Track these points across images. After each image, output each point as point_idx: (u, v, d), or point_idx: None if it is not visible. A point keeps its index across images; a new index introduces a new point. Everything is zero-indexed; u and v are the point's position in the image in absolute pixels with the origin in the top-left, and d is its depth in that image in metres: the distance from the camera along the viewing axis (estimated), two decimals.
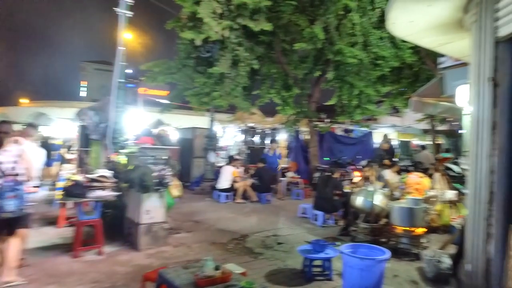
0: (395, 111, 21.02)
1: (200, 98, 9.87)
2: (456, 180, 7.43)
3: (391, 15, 4.09)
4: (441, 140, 17.47)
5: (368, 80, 11.70)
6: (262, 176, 8.77)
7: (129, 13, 6.64)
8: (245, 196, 9.02)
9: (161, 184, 4.94)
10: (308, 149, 13.48)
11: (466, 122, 3.85)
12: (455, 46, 4.97)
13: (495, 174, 3.23)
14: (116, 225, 5.25)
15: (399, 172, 9.02)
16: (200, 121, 16.92)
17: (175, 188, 5.57)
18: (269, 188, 8.87)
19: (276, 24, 10.07)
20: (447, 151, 15.66)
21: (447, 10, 3.91)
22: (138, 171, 4.81)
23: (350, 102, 11.76)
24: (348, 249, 3.46)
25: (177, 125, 14.07)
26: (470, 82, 3.86)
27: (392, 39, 12.27)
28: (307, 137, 14.62)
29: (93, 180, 4.84)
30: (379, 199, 4.92)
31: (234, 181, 8.69)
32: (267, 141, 13.25)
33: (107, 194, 4.78)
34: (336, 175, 6.61)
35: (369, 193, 5.09)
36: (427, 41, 4.87)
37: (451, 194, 5.61)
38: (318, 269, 4.00)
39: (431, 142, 17.76)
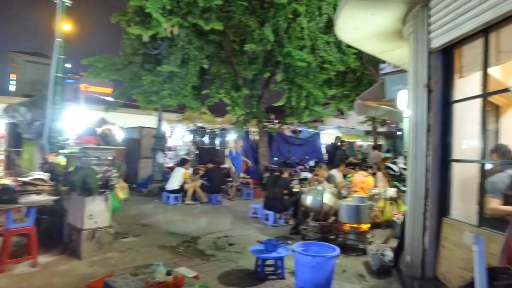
0: (340, 113, 22.24)
1: (148, 97, 9.46)
2: (395, 179, 8.06)
3: (339, 21, 4.29)
4: (381, 141, 18.83)
5: (315, 83, 12.17)
6: (212, 176, 8.67)
7: (68, 2, 6.12)
8: (194, 197, 8.86)
9: (106, 187, 4.63)
10: (257, 149, 13.66)
11: (406, 124, 4.16)
12: (394, 54, 5.36)
13: (430, 172, 3.54)
14: (55, 232, 4.82)
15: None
16: (146, 120, 16.21)
17: (121, 191, 5.27)
18: (219, 188, 8.80)
19: (226, 24, 10.04)
20: (387, 151, 16.93)
21: (388, 20, 4.20)
22: (80, 173, 4.45)
23: (298, 103, 12.12)
24: (300, 248, 3.55)
25: (122, 124, 13.34)
26: (408, 88, 4.20)
27: (338, 44, 12.93)
28: (257, 137, 14.82)
29: (26, 183, 4.37)
30: (327, 198, 5.13)
31: (185, 182, 8.48)
32: (217, 141, 13.15)
33: (43, 198, 4.35)
34: (285, 174, 6.75)
35: (319, 192, 5.28)
36: (370, 48, 5.19)
37: (391, 192, 6.06)
38: (271, 269, 4.04)
39: (372, 143, 19.06)
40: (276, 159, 13.35)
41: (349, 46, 13.74)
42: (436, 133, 3.55)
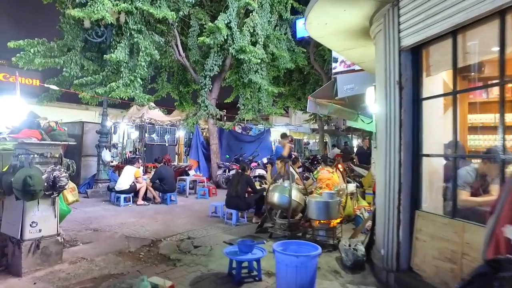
0: (285, 111, 22.77)
1: (93, 89, 8.54)
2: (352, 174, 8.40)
3: (310, 15, 4.24)
4: (326, 138, 19.66)
5: (267, 80, 12.19)
6: (164, 175, 8.16)
7: None
8: (146, 198, 8.29)
9: (54, 188, 4.02)
10: (208, 146, 13.30)
11: (377, 120, 4.26)
12: (356, 52, 5.50)
13: (402, 166, 3.66)
14: None
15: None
16: (83, 115, 14.80)
17: (70, 192, 4.63)
18: (173, 187, 8.32)
19: (176, 15, 9.52)
20: (333, 147, 17.73)
21: (357, 18, 4.27)
22: (20, 173, 3.78)
23: (249, 100, 12.02)
24: (279, 247, 3.42)
25: (56, 119, 11.97)
26: (376, 85, 4.32)
27: (288, 43, 13.14)
28: (204, 134, 14.43)
29: None
30: (295, 195, 5.09)
31: (136, 182, 7.85)
32: (167, 137, 12.48)
33: None
34: (248, 172, 6.60)
35: (285, 189, 5.21)
36: (334, 44, 5.26)
37: (352, 187, 6.25)
38: (245, 271, 3.86)
39: (317, 140, 19.83)
40: (228, 156, 13.12)
41: (299, 45, 14.16)
42: (408, 128, 3.67)
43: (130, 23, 8.18)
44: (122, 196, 7.68)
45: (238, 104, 12.02)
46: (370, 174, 10.20)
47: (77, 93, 9.46)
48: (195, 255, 4.62)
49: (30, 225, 3.95)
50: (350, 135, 22.21)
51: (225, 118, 16.96)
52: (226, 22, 10.28)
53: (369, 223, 4.73)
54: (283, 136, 10.86)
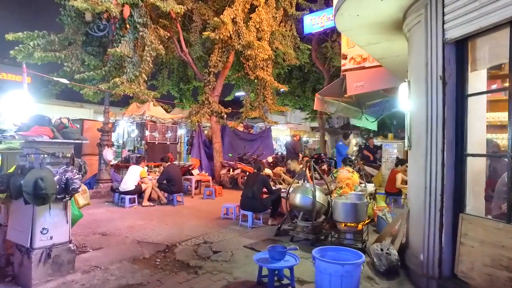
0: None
1: (95, 84, 8.14)
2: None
3: (344, 5, 3.99)
4: (326, 137, 19.48)
5: (273, 77, 11.91)
6: (172, 175, 7.83)
7: None
8: (150, 198, 7.96)
9: (66, 191, 3.69)
10: (210, 145, 12.97)
11: (412, 119, 4.02)
12: (380, 47, 5.28)
13: (446, 166, 3.43)
14: None
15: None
16: (77, 113, 14.29)
17: (81, 195, 4.30)
18: (180, 188, 8.00)
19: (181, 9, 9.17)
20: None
21: (392, 9, 4.03)
22: (30, 175, 3.45)
23: (255, 97, 11.75)
24: (318, 254, 3.16)
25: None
26: (412, 80, 4.07)
27: (293, 39, 12.87)
28: (206, 132, 14.10)
29: None
30: (318, 196, 4.84)
31: (142, 182, 7.52)
32: (168, 135, 12.11)
33: None
34: (263, 171, 6.33)
35: (308, 190, 4.96)
36: (359, 38, 5.02)
37: (371, 188, 6.02)
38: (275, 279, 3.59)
39: (317, 139, 19.64)
40: (231, 155, 12.82)
41: (304, 42, 13.91)
42: (451, 127, 3.45)
43: (135, 16, 7.81)
44: (127, 197, 7.34)
45: (243, 102, 11.71)
46: (380, 173, 10.03)
47: (73, 91, 9.06)
48: (216, 262, 4.33)
49: (41, 232, 3.62)
50: (351, 134, 22.07)
51: (225, 116, 16.66)
52: (231, 17, 9.97)
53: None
54: (346, 136, 10.58)
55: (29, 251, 3.56)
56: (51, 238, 3.69)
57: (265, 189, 6.07)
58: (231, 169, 11.43)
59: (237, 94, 16.77)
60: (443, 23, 3.44)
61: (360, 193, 4.65)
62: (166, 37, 9.15)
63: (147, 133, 10.84)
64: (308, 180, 5.43)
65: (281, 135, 19.82)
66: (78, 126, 4.34)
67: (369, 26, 4.54)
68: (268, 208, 6.06)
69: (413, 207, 3.95)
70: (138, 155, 9.79)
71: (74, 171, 3.85)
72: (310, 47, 13.46)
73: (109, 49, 7.68)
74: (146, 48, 7.89)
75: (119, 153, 12.10)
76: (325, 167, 12.61)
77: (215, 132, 12.16)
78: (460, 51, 3.44)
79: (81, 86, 8.34)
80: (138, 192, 7.54)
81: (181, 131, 13.81)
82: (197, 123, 11.90)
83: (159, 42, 8.37)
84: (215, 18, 9.98)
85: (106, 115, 8.65)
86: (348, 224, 4.54)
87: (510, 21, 2.93)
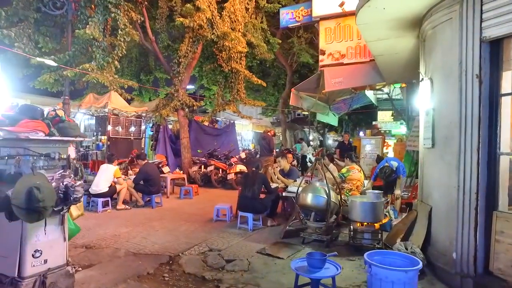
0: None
1: (55, 71, 6.99)
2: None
3: None
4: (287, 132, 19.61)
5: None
6: (150, 174, 7.11)
7: None
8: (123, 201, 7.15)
9: (65, 202, 3.00)
10: (177, 140, 12.20)
11: (437, 117, 3.98)
12: (385, 43, 5.24)
13: (480, 165, 3.45)
14: None
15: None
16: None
17: (76, 206, 3.58)
18: (159, 188, 7.31)
19: None
20: (301, 140, 17.73)
21: (421, 4, 3.94)
22: (22, 184, 2.71)
23: (229, 91, 11.26)
24: (371, 261, 2.96)
25: None
26: (439, 78, 4.03)
27: (263, 33, 12.57)
28: (171, 126, 13.28)
29: None
30: (333, 195, 4.66)
31: (116, 183, 6.69)
32: (132, 129, 11.08)
33: None
34: (261, 170, 5.98)
35: (319, 189, 4.76)
36: (372, 33, 4.91)
37: (369, 185, 6.01)
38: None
39: (279, 134, 19.70)
40: (200, 151, 12.18)
41: (273, 35, 13.65)
42: (485, 125, 3.47)
43: None
44: (100, 200, 6.48)
45: (216, 94, 11.14)
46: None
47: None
48: (233, 272, 3.92)
49: (33, 256, 2.91)
50: (308, 129, 22.57)
51: (196, 109, 15.82)
52: (206, 4, 9.34)
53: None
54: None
55: (16, 282, 2.83)
56: (45, 262, 2.99)
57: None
58: (203, 166, 10.85)
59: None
60: (481, 21, 3.42)
61: (377, 192, 4.56)
62: (140, 20, 8.23)
63: (109, 127, 9.75)
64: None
65: (243, 130, 19.49)
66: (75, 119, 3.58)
67: (388, 21, 4.43)
68: (269, 208, 5.74)
69: (439, 206, 3.94)
70: (110, 153, 8.75)
71: (72, 176, 3.16)
72: (280, 41, 13.27)
73: (77, 31, 6.63)
74: (120, 32, 6.97)
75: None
76: (294, 162, 12.63)
77: (183, 127, 11.42)
78: (495, 50, 3.45)
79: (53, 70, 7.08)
80: (112, 194, 6.71)
81: (143, 126, 12.76)
82: (163, 117, 11.05)
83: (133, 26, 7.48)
84: (188, 5, 9.27)
85: (66, 106, 7.54)
86: (365, 223, 4.42)
87: None
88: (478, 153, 3.44)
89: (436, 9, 3.94)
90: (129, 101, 10.65)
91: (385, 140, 10.87)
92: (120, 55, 7.15)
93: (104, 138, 10.25)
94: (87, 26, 6.66)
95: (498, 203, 3.46)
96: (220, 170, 10.65)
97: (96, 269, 3.87)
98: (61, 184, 2.99)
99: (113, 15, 6.87)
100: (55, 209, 2.94)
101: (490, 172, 3.46)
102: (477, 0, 3.44)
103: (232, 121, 15.78)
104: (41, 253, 2.95)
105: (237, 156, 11.79)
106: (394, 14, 4.20)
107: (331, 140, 27.50)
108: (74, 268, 3.31)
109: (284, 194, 5.75)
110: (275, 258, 4.26)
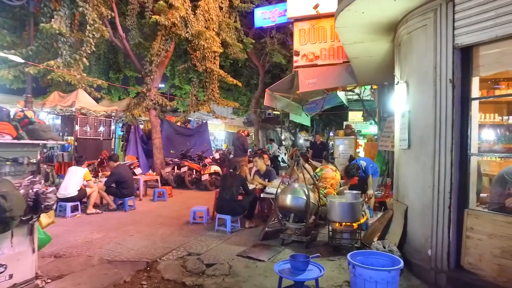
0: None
1: (13, 67, 6.50)
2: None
3: (357, 2, 3.86)
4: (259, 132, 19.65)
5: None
6: (123, 176, 6.83)
7: None
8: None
9: (35, 210, 2.80)
10: (148, 140, 11.83)
11: (412, 119, 4.12)
12: (361, 46, 5.36)
13: (453, 166, 3.61)
14: None
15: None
16: None
17: (45, 214, 3.33)
18: (132, 191, 7.04)
19: None
20: (271, 141, 17.82)
21: (398, 10, 4.07)
22: None
23: (203, 91, 11.07)
24: (354, 261, 3.01)
25: None
26: (414, 82, 4.17)
27: (237, 32, 12.49)
28: (143, 127, 12.88)
29: None
30: (312, 196, 4.70)
31: (87, 186, 6.36)
32: (101, 129, 10.60)
33: None
34: (238, 171, 5.92)
35: (298, 190, 4.79)
36: (349, 36, 4.99)
37: (346, 184, 6.13)
38: None
39: (253, 133, 19.69)
40: (173, 151, 11.89)
41: (247, 35, 13.59)
42: (457, 128, 3.64)
43: None
44: (69, 204, 6.13)
45: (189, 94, 10.92)
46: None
47: None
48: (215, 277, 3.85)
49: None
50: (280, 129, 22.75)
51: (168, 109, 15.39)
52: (180, 2, 9.11)
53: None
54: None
55: None
56: (10, 277, 2.78)
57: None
58: (176, 167, 10.60)
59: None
60: (454, 29, 3.58)
61: (355, 192, 4.66)
62: (110, 16, 7.86)
63: (76, 127, 9.25)
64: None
65: (216, 130, 19.30)
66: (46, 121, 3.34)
67: (365, 25, 4.53)
68: (246, 210, 5.70)
69: (414, 205, 4.08)
70: (65, 152, 8.32)
71: (43, 182, 2.95)
72: (253, 41, 13.26)
73: (41, 24, 6.18)
74: (89, 27, 6.61)
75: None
76: (268, 162, 12.67)
77: (154, 127, 11.08)
78: (466, 57, 3.63)
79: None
80: (82, 198, 6.38)
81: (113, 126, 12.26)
82: (134, 117, 10.66)
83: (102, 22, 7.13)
84: (160, 1, 9.00)
85: (29, 105, 7.07)
86: (343, 223, 4.51)
87: None
88: (452, 154, 3.60)
89: (412, 15, 4.08)
90: (97, 100, 10.17)
91: (357, 140, 11.19)
92: (89, 52, 6.79)
93: (71, 138, 9.71)
94: (52, 20, 6.26)
95: (469, 201, 3.65)
96: (194, 171, 10.46)
97: (68, 280, 3.63)
98: (30, 191, 2.78)
99: (81, 9, 6.50)
100: (24, 218, 2.73)
101: (462, 172, 3.64)
102: (449, 9, 3.61)
103: (204, 121, 15.58)
104: (5, 268, 2.72)
105: (211, 157, 11.64)
106: (372, 18, 4.31)
107: (303, 139, 27.96)
108: (44, 281, 3.08)
109: (262, 195, 5.73)
110: (256, 260, 4.22)
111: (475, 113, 3.70)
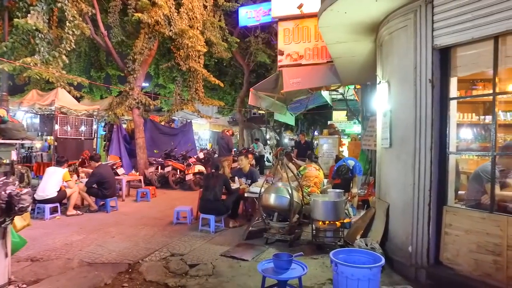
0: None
1: None
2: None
3: (339, 2, 3.89)
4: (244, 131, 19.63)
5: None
6: (104, 176, 6.68)
7: None
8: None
9: (8, 213, 2.70)
10: (131, 140, 11.63)
11: (394, 118, 4.18)
12: (344, 46, 5.42)
13: (433, 164, 3.69)
14: None
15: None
16: None
17: (20, 216, 3.22)
18: (114, 191, 6.89)
19: None
20: (257, 140, 17.81)
21: (379, 11, 4.14)
22: None
23: (187, 90, 10.95)
24: (337, 259, 3.03)
25: None
26: (394, 82, 4.24)
27: (221, 31, 12.42)
28: (126, 126, 12.65)
29: None
30: (296, 195, 4.72)
31: (67, 187, 6.18)
32: (82, 129, 10.35)
33: None
34: (221, 170, 5.88)
35: (281, 189, 4.80)
36: (332, 36, 5.03)
37: (328, 183, 6.18)
38: None
39: (237, 133, 19.64)
40: (156, 151, 11.72)
41: (231, 34, 13.52)
42: (437, 127, 3.72)
43: None
44: (47, 206, 5.95)
45: (173, 93, 10.79)
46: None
47: None
48: (198, 277, 3.81)
49: None
50: (265, 128, 22.78)
51: (152, 108, 15.15)
52: (163, 0, 8.98)
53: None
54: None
55: None
56: None
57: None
58: (160, 167, 10.45)
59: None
60: (433, 30, 3.66)
61: (339, 191, 4.70)
62: (91, 12, 7.66)
63: (56, 126, 8.98)
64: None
65: (200, 129, 19.15)
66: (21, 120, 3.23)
67: (347, 25, 4.58)
68: (230, 210, 5.67)
69: (396, 203, 4.15)
70: (44, 153, 8.08)
71: (17, 183, 2.85)
72: (238, 40, 13.21)
73: (16, 20, 5.96)
74: (68, 24, 6.42)
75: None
76: (253, 162, 12.66)
77: (138, 126, 10.90)
78: (444, 57, 3.71)
79: None
80: (61, 199, 6.20)
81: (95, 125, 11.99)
82: (116, 116, 10.45)
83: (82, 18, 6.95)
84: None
85: (4, 104, 6.82)
86: (327, 222, 4.54)
87: (497, 35, 3.27)
88: (431, 153, 3.68)
89: (393, 16, 4.14)
90: (78, 99, 9.92)
91: (341, 139, 11.33)
92: (69, 49, 6.59)
93: (50, 138, 9.43)
94: (29, 15, 6.06)
95: (447, 198, 3.73)
96: (178, 170, 10.35)
97: (45, 284, 3.52)
98: (3, 192, 2.68)
99: (59, 5, 6.31)
100: None
101: (441, 170, 3.73)
102: (429, 10, 3.68)
103: (189, 121, 15.43)
104: None
105: (195, 156, 11.53)
106: (354, 18, 4.35)
107: (288, 139, 28.08)
108: (18, 286, 2.97)
109: (246, 194, 5.72)
110: (240, 260, 4.20)
111: (454, 113, 3.79)
